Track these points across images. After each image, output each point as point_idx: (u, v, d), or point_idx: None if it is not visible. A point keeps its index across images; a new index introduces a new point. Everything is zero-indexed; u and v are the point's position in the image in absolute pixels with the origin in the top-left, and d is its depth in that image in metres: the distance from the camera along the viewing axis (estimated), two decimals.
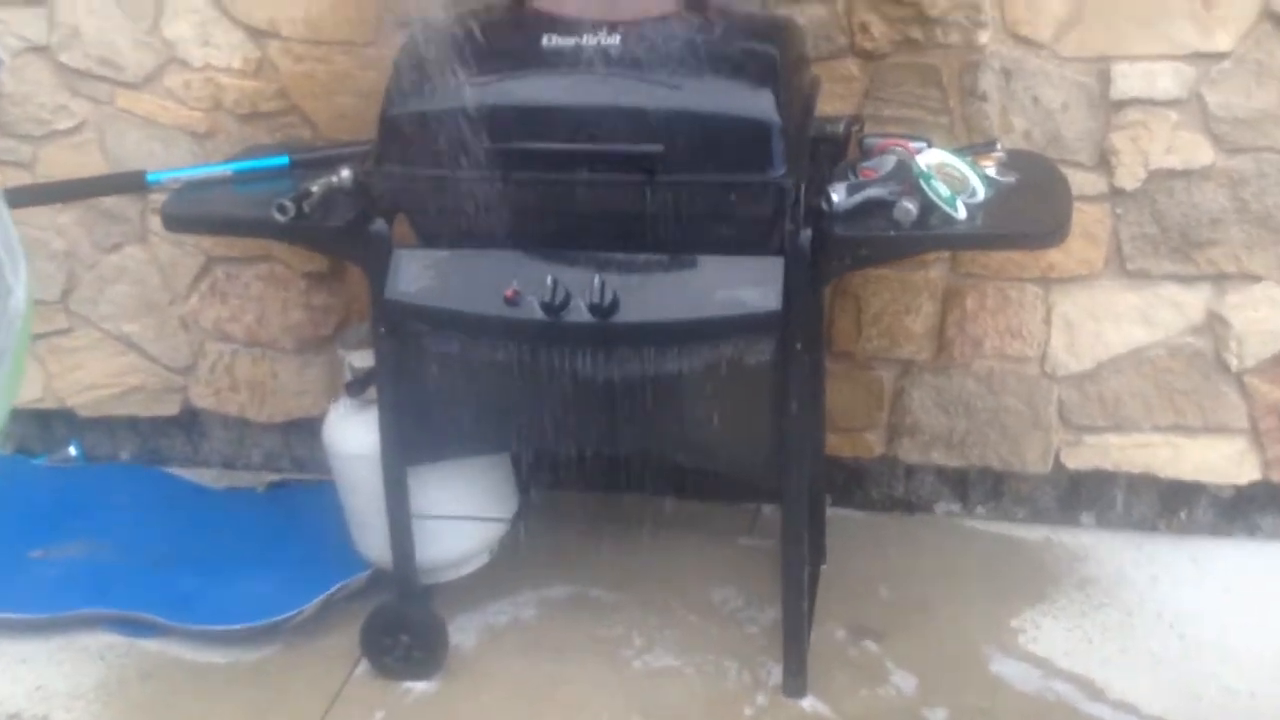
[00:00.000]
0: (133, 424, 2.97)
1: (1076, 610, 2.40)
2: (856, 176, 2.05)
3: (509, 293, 1.99)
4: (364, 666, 2.33)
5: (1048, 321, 2.48)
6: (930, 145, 2.09)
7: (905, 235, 1.96)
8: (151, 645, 2.43)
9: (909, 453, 2.63)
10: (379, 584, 2.39)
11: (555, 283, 1.96)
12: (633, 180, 1.93)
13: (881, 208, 1.98)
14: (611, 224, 1.99)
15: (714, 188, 1.94)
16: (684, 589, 2.50)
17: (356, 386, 2.29)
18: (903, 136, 2.15)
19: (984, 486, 2.66)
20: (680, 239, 1.97)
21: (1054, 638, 2.34)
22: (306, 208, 2.08)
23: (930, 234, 1.98)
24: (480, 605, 2.46)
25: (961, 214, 1.96)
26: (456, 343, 2.07)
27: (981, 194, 2.01)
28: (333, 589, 2.42)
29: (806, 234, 1.95)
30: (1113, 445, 2.54)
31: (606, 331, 1.98)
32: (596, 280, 1.95)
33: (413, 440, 2.17)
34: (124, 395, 2.90)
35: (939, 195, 1.96)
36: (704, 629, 2.40)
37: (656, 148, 1.90)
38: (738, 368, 2.01)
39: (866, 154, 2.14)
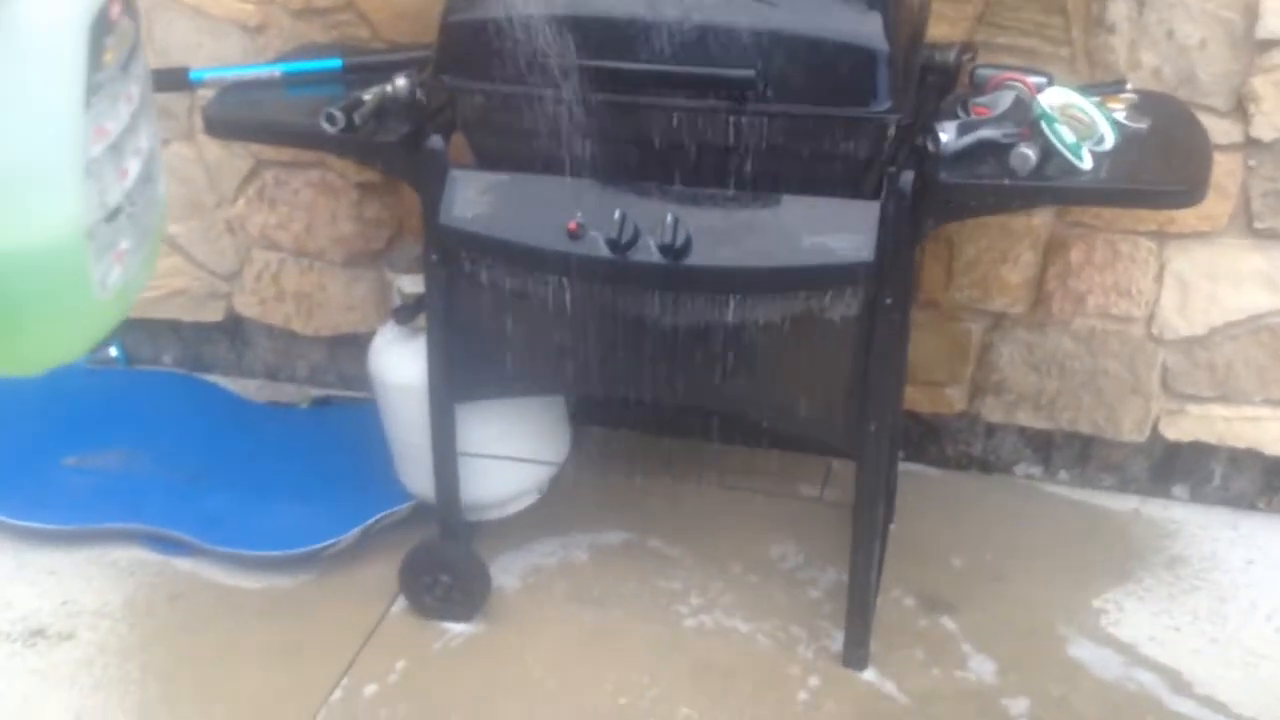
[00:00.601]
0: (175, 328, 2.87)
1: (1164, 592, 2.25)
2: (968, 114, 1.82)
3: (572, 225, 1.82)
4: (401, 603, 2.23)
5: (1159, 280, 2.28)
6: (1052, 81, 1.87)
7: (1021, 185, 1.75)
8: (184, 564, 2.35)
9: (992, 411, 2.46)
10: (422, 515, 2.28)
11: (624, 217, 1.79)
12: (718, 108, 1.74)
13: (995, 152, 1.77)
14: (690, 156, 1.79)
15: (808, 121, 1.73)
16: (743, 543, 2.37)
17: (405, 313, 2.15)
18: (1021, 69, 1.92)
19: (1070, 450, 2.49)
20: (766, 176, 1.78)
21: (1138, 621, 2.19)
22: (357, 119, 1.92)
23: (1050, 185, 1.77)
24: (527, 545, 2.36)
25: (1087, 164, 1.75)
26: (513, 276, 1.92)
27: (1110, 141, 1.79)
28: (373, 519, 2.32)
29: (908, 177, 1.75)
30: (1218, 417, 2.36)
31: (676, 275, 1.81)
32: (669, 217, 1.78)
33: (462, 376, 2.04)
34: (167, 298, 2.80)
35: (1062, 141, 1.74)
36: (763, 589, 2.27)
37: (748, 73, 1.70)
38: (819, 321, 1.84)
39: (979, 88, 1.91)
